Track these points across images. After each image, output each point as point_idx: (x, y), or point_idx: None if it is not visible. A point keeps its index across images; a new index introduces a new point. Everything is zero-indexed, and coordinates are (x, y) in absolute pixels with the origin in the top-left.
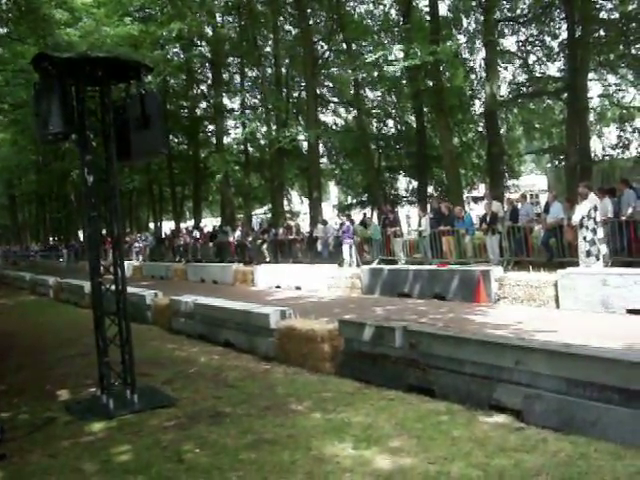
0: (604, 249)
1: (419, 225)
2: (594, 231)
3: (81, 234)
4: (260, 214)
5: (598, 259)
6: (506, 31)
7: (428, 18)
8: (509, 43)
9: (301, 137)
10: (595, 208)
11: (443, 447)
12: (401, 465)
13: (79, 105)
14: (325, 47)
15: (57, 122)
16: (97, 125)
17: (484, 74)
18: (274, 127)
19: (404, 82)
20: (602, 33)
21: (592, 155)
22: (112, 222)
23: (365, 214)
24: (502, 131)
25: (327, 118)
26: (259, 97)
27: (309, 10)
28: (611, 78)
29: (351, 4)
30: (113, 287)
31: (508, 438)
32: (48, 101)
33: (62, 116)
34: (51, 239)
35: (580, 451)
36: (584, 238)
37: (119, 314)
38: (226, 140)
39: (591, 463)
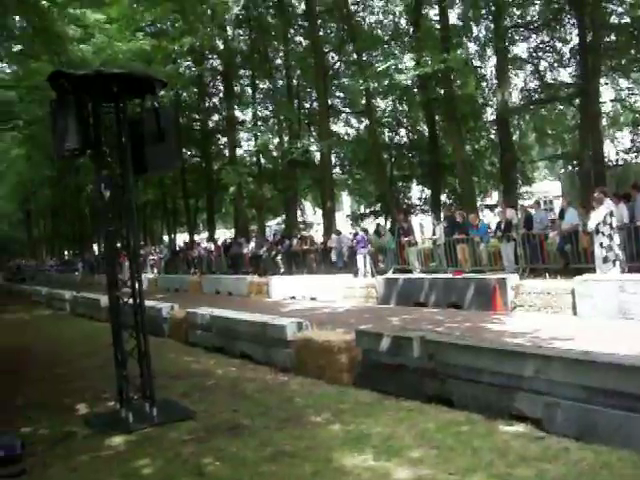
0: (621, 255)
1: (433, 234)
2: (610, 237)
3: (96, 248)
4: (274, 225)
5: (615, 265)
6: (517, 38)
7: (438, 27)
8: (520, 50)
9: (313, 148)
10: (611, 214)
11: (464, 458)
12: (422, 476)
13: (95, 121)
14: (336, 58)
15: (74, 138)
16: (113, 140)
17: (495, 81)
18: (286, 138)
19: (415, 91)
20: (613, 38)
21: (606, 160)
22: (129, 236)
23: (379, 223)
24: (514, 138)
25: (339, 128)
26: (271, 109)
27: (319, 21)
28: (623, 82)
29: (361, 14)
30: (131, 300)
31: (529, 447)
32: (64, 118)
33: (78, 132)
34: (66, 253)
35: (602, 460)
36: (600, 244)
37: (137, 327)
38: (239, 152)
39: (614, 472)
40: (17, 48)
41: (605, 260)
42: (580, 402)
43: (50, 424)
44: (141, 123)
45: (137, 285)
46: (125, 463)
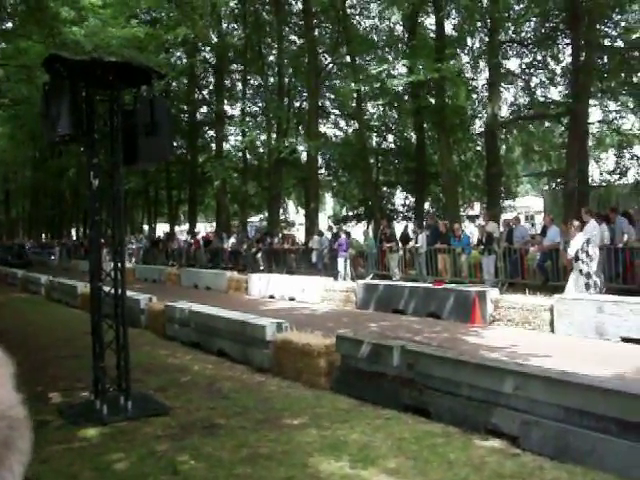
0: (599, 282)
1: (415, 242)
2: (587, 264)
3: (74, 232)
4: (255, 222)
5: (596, 291)
6: (510, 53)
7: (433, 36)
8: (512, 65)
9: (301, 148)
10: (588, 241)
11: (440, 470)
12: None
13: (88, 108)
14: (329, 59)
15: (65, 124)
16: (105, 129)
17: (486, 94)
18: (274, 136)
19: (406, 98)
20: (605, 60)
21: (589, 180)
22: (114, 226)
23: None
24: (501, 152)
25: (327, 129)
26: (260, 105)
27: (315, 21)
28: (611, 105)
29: (357, 18)
30: (112, 291)
31: (504, 464)
32: (58, 103)
33: (71, 118)
34: (44, 236)
35: None
36: (580, 271)
37: (117, 319)
38: (225, 146)
39: None
40: (8, 26)
41: (587, 287)
42: (556, 421)
43: None
44: (135, 113)
45: (120, 276)
46: (98, 456)
